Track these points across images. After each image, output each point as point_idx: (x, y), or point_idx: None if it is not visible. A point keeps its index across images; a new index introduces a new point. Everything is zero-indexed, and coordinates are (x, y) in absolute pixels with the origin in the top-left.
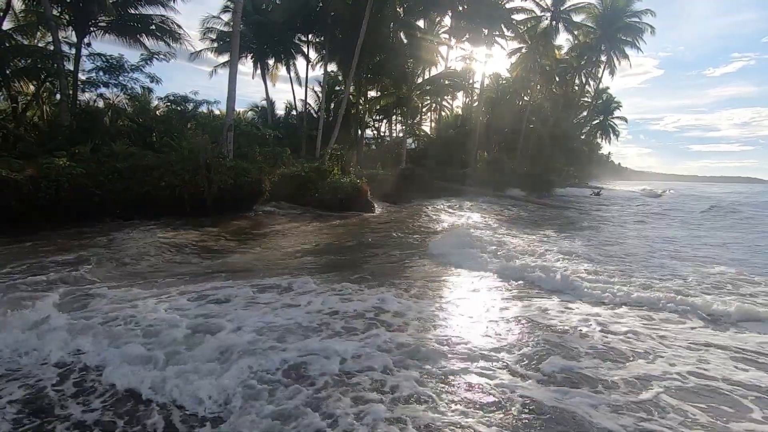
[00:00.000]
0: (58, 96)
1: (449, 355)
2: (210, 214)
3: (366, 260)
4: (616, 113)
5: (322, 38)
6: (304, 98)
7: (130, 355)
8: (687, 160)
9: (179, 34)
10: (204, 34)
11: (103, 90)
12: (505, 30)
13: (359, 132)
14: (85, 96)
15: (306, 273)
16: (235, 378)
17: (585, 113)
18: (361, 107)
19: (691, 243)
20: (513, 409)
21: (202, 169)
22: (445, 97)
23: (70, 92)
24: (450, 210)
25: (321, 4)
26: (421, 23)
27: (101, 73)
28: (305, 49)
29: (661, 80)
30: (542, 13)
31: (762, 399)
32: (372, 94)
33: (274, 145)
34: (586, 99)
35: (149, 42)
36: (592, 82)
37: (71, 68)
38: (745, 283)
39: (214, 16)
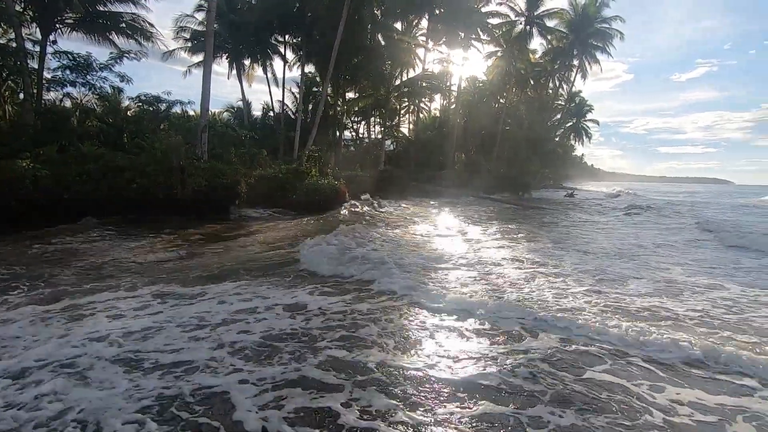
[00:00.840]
0: (21, 95)
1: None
2: (185, 217)
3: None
4: (589, 116)
5: (300, 39)
6: (281, 99)
7: None
8: (656, 162)
9: (151, 32)
10: (177, 33)
11: (69, 89)
12: (481, 33)
13: (338, 133)
14: (51, 95)
15: (235, 277)
16: None
17: (559, 116)
18: (339, 109)
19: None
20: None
21: (176, 171)
22: (423, 99)
23: (35, 91)
24: (423, 210)
25: (298, 5)
26: (398, 25)
27: (68, 72)
28: (282, 50)
29: (630, 84)
30: (517, 18)
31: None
32: (350, 95)
33: (250, 146)
34: (559, 102)
35: (119, 40)
36: (565, 86)
37: (35, 66)
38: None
39: (187, 15)
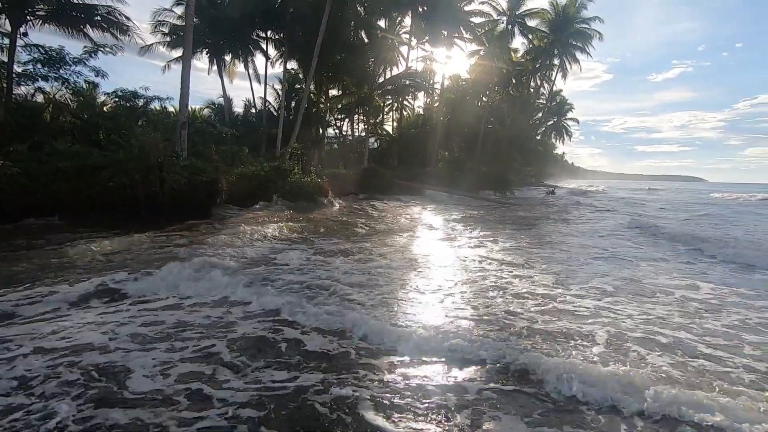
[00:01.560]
0: None
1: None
2: (162, 215)
3: None
4: (569, 115)
5: (282, 35)
6: (263, 96)
7: None
8: (634, 160)
9: (127, 26)
10: (155, 28)
11: (42, 84)
12: (463, 32)
13: (321, 131)
14: (22, 90)
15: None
16: None
17: (540, 114)
18: (322, 106)
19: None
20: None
21: (154, 169)
22: (407, 97)
23: (5, 86)
24: (403, 207)
25: (280, 0)
26: (382, 23)
27: (39, 66)
28: (264, 46)
29: (609, 84)
30: (499, 17)
31: None
32: (333, 92)
33: (231, 143)
34: (541, 101)
35: (94, 34)
36: (546, 85)
37: (5, 60)
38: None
39: (166, 9)
